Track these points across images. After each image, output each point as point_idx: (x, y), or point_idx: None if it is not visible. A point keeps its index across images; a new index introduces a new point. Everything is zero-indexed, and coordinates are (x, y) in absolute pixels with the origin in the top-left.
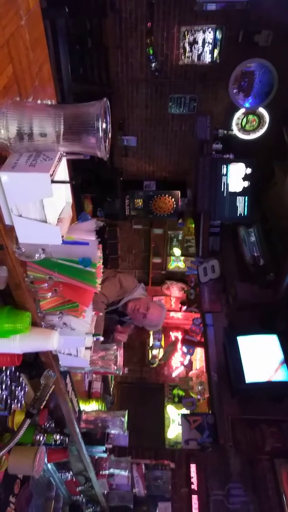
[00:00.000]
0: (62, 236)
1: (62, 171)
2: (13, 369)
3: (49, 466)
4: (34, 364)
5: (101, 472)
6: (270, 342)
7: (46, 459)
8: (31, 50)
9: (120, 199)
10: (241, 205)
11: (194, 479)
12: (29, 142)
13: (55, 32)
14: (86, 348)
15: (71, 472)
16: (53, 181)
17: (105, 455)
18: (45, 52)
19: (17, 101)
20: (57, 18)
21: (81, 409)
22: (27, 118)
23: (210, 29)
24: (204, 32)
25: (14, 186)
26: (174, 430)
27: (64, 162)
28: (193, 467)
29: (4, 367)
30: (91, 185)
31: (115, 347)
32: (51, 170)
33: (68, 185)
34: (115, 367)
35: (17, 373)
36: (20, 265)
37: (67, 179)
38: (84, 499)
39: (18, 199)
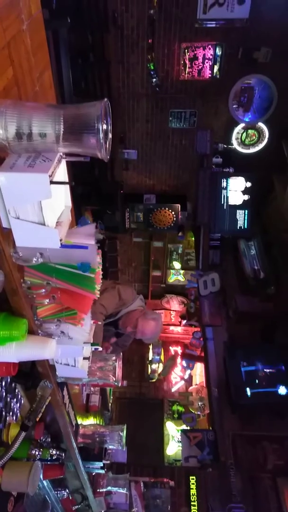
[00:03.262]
0: (61, 240)
1: (62, 173)
2: (8, 380)
3: (45, 483)
4: (30, 374)
5: (98, 489)
6: (270, 356)
7: (41, 476)
8: (32, 55)
9: (120, 212)
10: (241, 218)
11: (194, 498)
12: (28, 143)
13: (58, 45)
14: (84, 358)
15: (67, 490)
16: (52, 182)
17: (102, 472)
18: (46, 58)
19: (16, 101)
20: (59, 29)
21: (79, 424)
22: (26, 118)
23: (210, 45)
24: (204, 48)
25: (12, 187)
26: (173, 447)
27: (63, 164)
28: (193, 486)
29: None
30: (92, 197)
31: (114, 357)
32: (50, 171)
33: (68, 189)
34: (114, 379)
35: (13, 385)
36: (17, 270)
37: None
38: None
39: (16, 200)
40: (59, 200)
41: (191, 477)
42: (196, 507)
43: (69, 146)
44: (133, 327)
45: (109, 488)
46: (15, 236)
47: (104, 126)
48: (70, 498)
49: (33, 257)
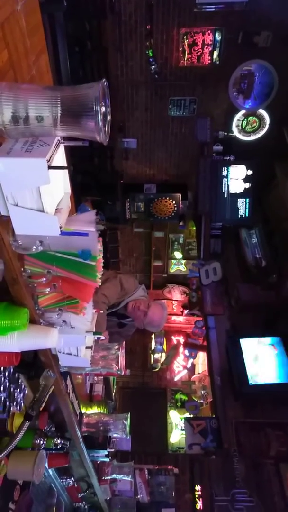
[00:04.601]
0: (61, 227)
1: (60, 158)
2: (11, 370)
3: (50, 472)
4: (33, 364)
5: (103, 477)
6: (273, 344)
7: (46, 464)
8: (27, 37)
9: (120, 202)
10: (243, 206)
11: (198, 485)
12: (24, 127)
13: (54, 29)
14: (87, 347)
15: (72, 478)
16: (50, 167)
17: (107, 460)
18: (43, 41)
19: (12, 84)
20: (55, 13)
21: (83, 413)
22: (22, 100)
23: (209, 30)
24: (203, 34)
25: (9, 173)
26: (177, 435)
27: (62, 150)
28: (197, 472)
29: (2, 368)
30: (92, 188)
31: (116, 346)
32: (48, 155)
33: (67, 175)
34: (117, 367)
35: (16, 375)
36: (17, 259)
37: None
38: (86, 506)
39: (13, 187)
40: (58, 187)
41: (195, 464)
42: (200, 494)
43: (67, 129)
44: (146, 307)
45: (114, 475)
46: (14, 224)
47: (103, 108)
48: (76, 486)
49: (33, 245)
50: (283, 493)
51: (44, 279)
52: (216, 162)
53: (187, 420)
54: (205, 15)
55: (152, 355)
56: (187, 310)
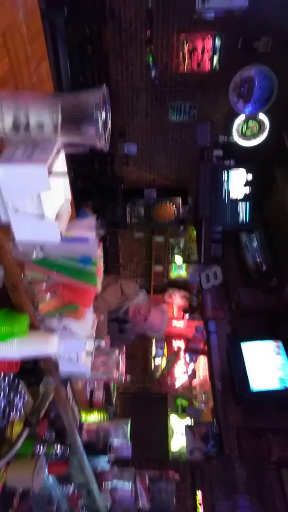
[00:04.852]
0: (61, 233)
1: (61, 165)
2: (11, 377)
3: (50, 479)
4: (33, 371)
5: (104, 483)
6: (275, 348)
7: (46, 471)
8: (28, 44)
9: (121, 207)
10: (243, 211)
11: (199, 490)
12: (25, 134)
13: (55, 36)
14: (87, 353)
15: (72, 485)
16: (50, 173)
17: (108, 466)
18: (44, 48)
19: (13, 91)
20: (56, 20)
21: (83, 420)
22: (23, 108)
23: (209, 36)
24: (203, 39)
25: (10, 180)
26: (178, 441)
27: (62, 156)
28: (198, 478)
29: (2, 375)
30: (92, 193)
31: (116, 352)
32: (49, 162)
33: (67, 181)
34: (117, 373)
35: (16, 381)
36: (17, 265)
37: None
38: None
39: (14, 193)
40: (59, 193)
41: (196, 470)
42: (201, 499)
43: (68, 136)
44: (147, 312)
45: (114, 481)
46: (14, 230)
47: (103, 115)
48: (76, 493)
49: (33, 251)
50: (285, 498)
51: (45, 285)
52: (216, 166)
53: (188, 425)
54: (205, 21)
55: (153, 361)
56: (188, 315)
